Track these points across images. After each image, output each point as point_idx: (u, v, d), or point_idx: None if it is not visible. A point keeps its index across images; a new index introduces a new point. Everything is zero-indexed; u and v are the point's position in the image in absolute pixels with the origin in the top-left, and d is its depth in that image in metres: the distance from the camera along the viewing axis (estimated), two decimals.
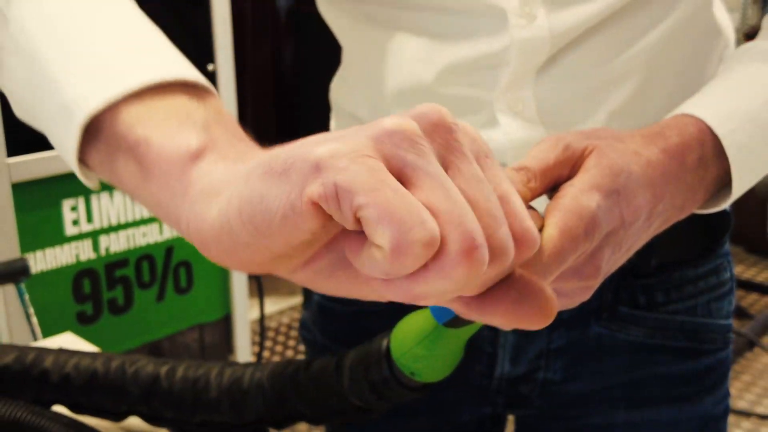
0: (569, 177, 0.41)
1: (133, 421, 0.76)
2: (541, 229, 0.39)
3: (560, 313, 0.64)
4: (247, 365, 0.68)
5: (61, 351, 0.75)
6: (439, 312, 0.47)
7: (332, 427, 0.78)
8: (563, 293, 0.43)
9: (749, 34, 2.89)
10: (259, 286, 1.68)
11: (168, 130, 0.36)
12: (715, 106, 0.51)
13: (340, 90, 0.74)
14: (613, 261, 0.43)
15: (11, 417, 0.73)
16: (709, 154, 0.49)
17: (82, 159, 0.39)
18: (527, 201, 0.39)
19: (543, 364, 0.67)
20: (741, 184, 0.50)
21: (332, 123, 0.76)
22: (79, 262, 1.42)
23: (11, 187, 1.30)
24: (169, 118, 0.37)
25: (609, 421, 0.68)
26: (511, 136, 0.59)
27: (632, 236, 0.44)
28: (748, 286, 3.50)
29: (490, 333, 0.67)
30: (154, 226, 1.52)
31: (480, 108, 0.61)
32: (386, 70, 0.66)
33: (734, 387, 2.76)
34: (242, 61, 1.61)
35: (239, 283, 1.67)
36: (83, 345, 0.91)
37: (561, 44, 0.58)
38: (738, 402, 2.65)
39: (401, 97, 0.64)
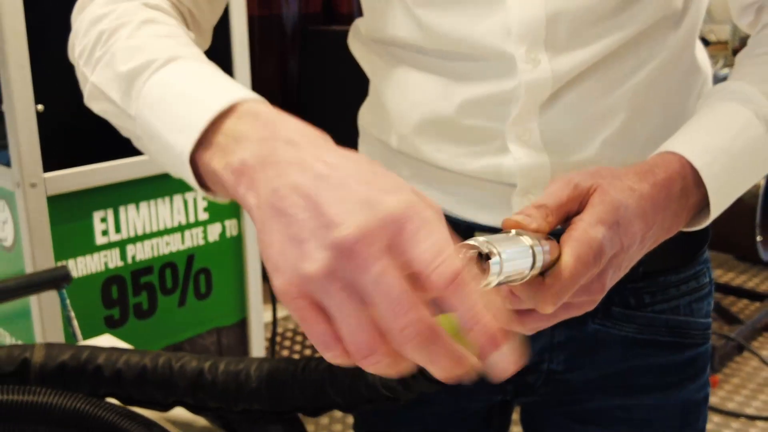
0: (578, 211, 0.51)
1: (178, 411, 0.86)
2: (558, 257, 0.49)
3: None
4: (283, 360, 0.78)
5: (113, 349, 0.86)
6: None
7: (361, 413, 0.88)
8: (574, 305, 0.53)
9: (737, 49, 2.98)
10: (273, 292, 1.78)
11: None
12: (694, 143, 0.61)
13: (366, 118, 0.84)
14: (614, 279, 0.53)
15: (72, 408, 0.83)
16: (690, 184, 0.59)
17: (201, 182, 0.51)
18: (546, 233, 0.50)
19: (547, 356, 0.77)
20: (718, 207, 0.60)
21: (360, 147, 0.86)
22: (107, 270, 1.52)
23: (47, 200, 1.40)
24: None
25: (605, 405, 0.78)
26: (520, 161, 0.70)
27: (630, 258, 0.54)
28: (739, 292, 3.60)
29: None
30: (177, 236, 1.62)
31: (493, 138, 0.71)
32: (410, 103, 0.76)
33: (724, 389, 2.86)
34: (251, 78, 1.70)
35: (254, 290, 1.76)
36: (122, 345, 1.02)
37: (561, 84, 0.68)
38: (727, 403, 2.75)
39: (424, 127, 0.74)
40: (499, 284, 0.46)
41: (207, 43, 0.74)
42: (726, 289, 3.59)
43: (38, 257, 1.40)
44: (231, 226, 1.72)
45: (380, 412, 0.83)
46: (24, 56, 1.33)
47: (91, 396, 0.83)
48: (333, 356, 0.38)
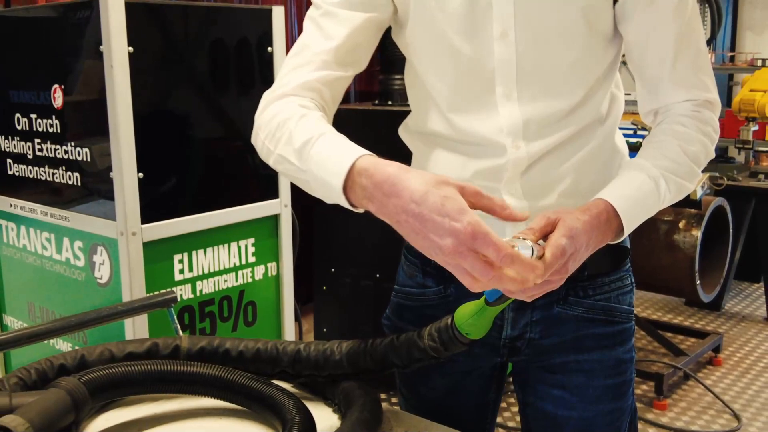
0: (551, 231, 0.98)
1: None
2: (543, 254, 0.95)
3: (536, 301, 1.19)
4: (356, 340, 1.21)
5: (234, 338, 1.29)
6: (489, 295, 1.02)
7: (404, 374, 1.31)
8: (551, 282, 0.99)
9: None
10: (299, 326, 2.21)
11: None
12: (613, 193, 1.08)
13: None
14: (573, 267, 1.00)
15: (215, 375, 1.23)
16: (612, 216, 1.06)
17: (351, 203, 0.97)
18: (536, 242, 0.96)
19: (528, 329, 1.23)
20: (628, 229, 1.08)
21: None
22: (182, 301, 1.93)
23: (142, 245, 1.83)
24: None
25: (565, 360, 1.23)
26: (511, 205, 1.16)
27: (580, 256, 1.01)
28: (686, 331, 4.08)
29: (500, 315, 1.22)
30: (232, 275, 2.05)
31: (493, 192, 1.17)
32: (441, 171, 1.23)
33: (673, 411, 3.31)
34: None
35: (288, 321, 2.19)
36: None
37: (533, 160, 1.15)
38: (676, 422, 3.20)
39: None
40: None
41: (331, 120, 1.20)
42: (675, 329, 4.07)
43: (134, 290, 1.82)
44: (272, 268, 2.15)
45: (419, 370, 1.27)
46: (131, 138, 1.77)
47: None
48: (468, 284, 0.87)
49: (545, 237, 0.98)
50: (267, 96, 1.16)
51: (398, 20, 1.22)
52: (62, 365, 1.23)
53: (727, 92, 7.94)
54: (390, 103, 3.23)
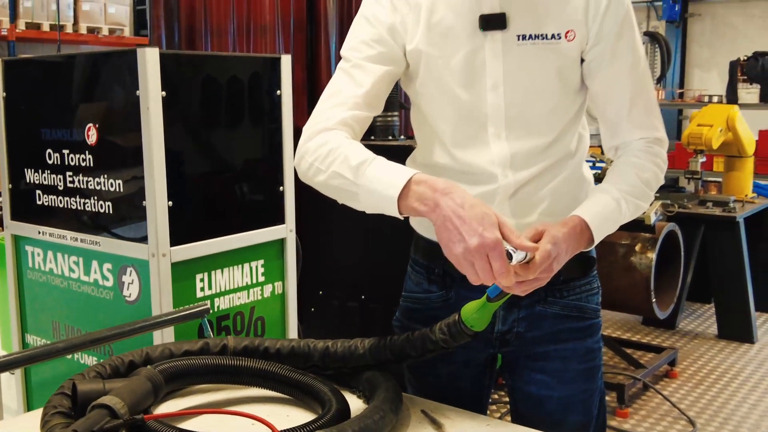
0: (539, 240, 1.27)
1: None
2: (533, 257, 1.24)
3: (522, 301, 1.48)
4: (377, 337, 1.47)
5: (270, 338, 1.54)
6: (491, 291, 1.30)
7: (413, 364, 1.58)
8: (540, 279, 1.28)
9: None
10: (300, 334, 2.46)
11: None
12: (585, 211, 1.38)
13: None
14: (556, 268, 1.29)
15: (262, 369, 1.46)
16: (584, 229, 1.36)
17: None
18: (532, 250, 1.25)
19: (516, 324, 1.51)
20: (597, 239, 1.38)
21: (411, 220, 1.61)
22: None
23: (170, 265, 2.07)
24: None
25: (546, 350, 1.52)
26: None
27: (562, 259, 1.30)
28: (644, 347, 4.40)
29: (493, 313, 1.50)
30: (245, 293, 2.30)
31: None
32: None
33: (634, 418, 3.61)
34: None
35: (292, 334, 2.44)
36: None
37: (518, 186, 1.45)
38: (637, 429, 3.49)
39: None
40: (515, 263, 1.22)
41: None
42: (635, 345, 4.39)
43: (163, 306, 2.06)
44: (278, 286, 2.41)
45: (426, 362, 1.52)
46: (162, 171, 2.03)
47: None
48: (471, 278, 1.16)
49: (535, 243, 1.27)
50: (309, 128, 1.44)
51: (409, 74, 1.51)
52: (131, 361, 1.47)
53: (677, 126, 8.41)
54: (372, 138, 3.52)
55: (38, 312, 2.48)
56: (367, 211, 1.34)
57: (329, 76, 4.07)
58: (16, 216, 2.47)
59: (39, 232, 2.38)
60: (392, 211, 1.28)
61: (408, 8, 1.46)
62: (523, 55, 1.43)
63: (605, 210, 1.41)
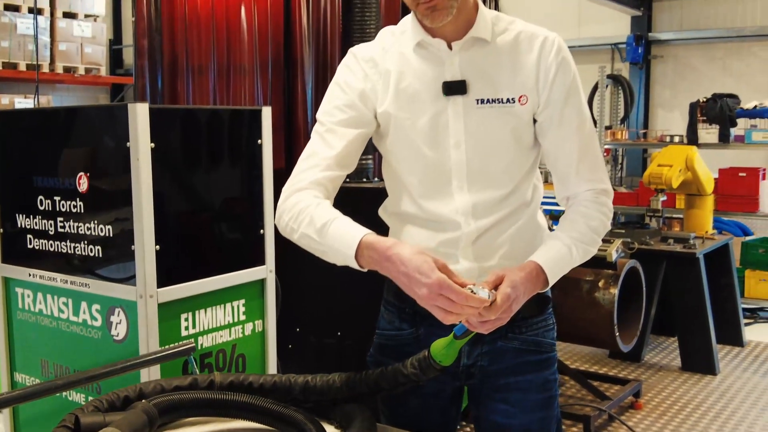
0: (500, 283, 1.44)
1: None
2: (495, 299, 1.40)
3: (485, 337, 1.63)
4: (352, 372, 1.61)
5: (254, 374, 1.68)
6: (457, 330, 1.46)
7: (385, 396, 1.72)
8: (501, 319, 1.44)
9: None
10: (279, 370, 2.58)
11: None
12: (540, 256, 1.55)
13: None
14: (515, 308, 1.45)
15: (246, 402, 1.59)
16: (540, 272, 1.53)
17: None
18: (490, 290, 1.41)
19: (479, 358, 1.66)
20: (551, 281, 1.54)
21: None
22: None
23: (157, 306, 2.20)
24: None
25: (507, 381, 1.67)
26: (464, 266, 1.61)
27: (520, 300, 1.47)
28: (610, 379, 4.56)
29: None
30: (227, 331, 2.42)
31: (452, 257, 1.62)
32: (413, 240, 1.67)
33: None
34: None
35: (272, 371, 2.56)
36: None
37: (480, 233, 1.61)
38: None
39: None
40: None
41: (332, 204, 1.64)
42: (601, 377, 4.55)
43: (150, 345, 2.18)
44: (258, 325, 2.53)
45: (398, 394, 1.66)
46: (151, 218, 2.16)
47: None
48: (441, 318, 1.34)
49: (496, 287, 1.43)
50: (287, 189, 1.60)
51: (380, 133, 1.68)
52: (126, 396, 1.60)
53: (641, 165, 8.69)
54: (347, 180, 3.67)
55: (27, 351, 2.58)
56: (338, 264, 1.50)
57: (305, 115, 4.28)
58: (6, 259, 2.58)
59: (29, 275, 2.49)
60: (356, 266, 1.46)
61: (378, 76, 1.63)
62: (482, 117, 1.60)
63: (558, 255, 1.57)
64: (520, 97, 1.61)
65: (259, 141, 2.50)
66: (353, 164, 1.66)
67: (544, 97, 1.61)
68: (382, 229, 1.79)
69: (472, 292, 1.37)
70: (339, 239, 1.47)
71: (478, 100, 1.61)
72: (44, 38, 9.39)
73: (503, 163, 1.64)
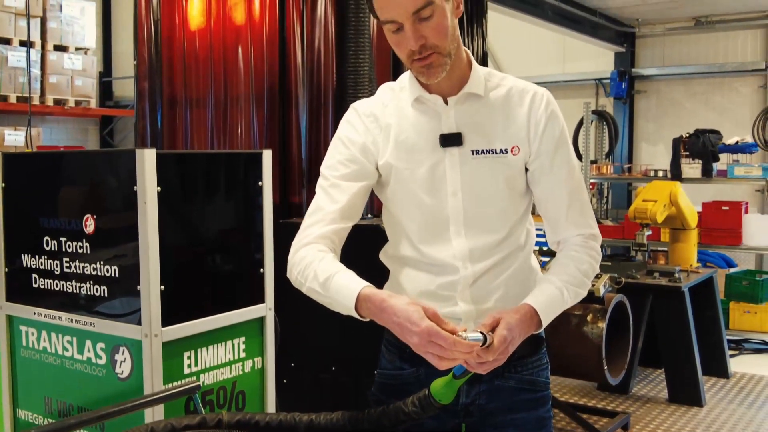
0: (497, 326, 1.52)
1: None
2: (492, 342, 1.49)
3: (483, 376, 1.71)
4: (354, 411, 1.69)
5: (261, 413, 1.75)
6: (456, 370, 1.55)
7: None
8: (498, 360, 1.52)
9: None
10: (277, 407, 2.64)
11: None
12: (534, 299, 1.64)
13: (388, 290, 1.83)
14: (511, 350, 1.54)
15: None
16: (533, 314, 1.62)
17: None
18: (487, 332, 1.50)
19: (477, 397, 1.73)
20: (545, 323, 1.63)
21: None
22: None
23: (162, 345, 2.26)
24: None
25: (504, 418, 1.74)
26: (463, 309, 1.70)
27: (516, 342, 1.56)
28: (599, 411, 4.63)
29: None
30: (227, 368, 2.49)
31: (451, 299, 1.71)
32: (414, 285, 1.75)
33: None
34: None
35: (271, 407, 2.62)
36: None
37: (477, 277, 1.70)
38: None
39: (421, 296, 1.73)
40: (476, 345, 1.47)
41: (339, 253, 1.72)
42: (590, 410, 4.61)
43: (155, 383, 2.24)
44: (258, 362, 2.60)
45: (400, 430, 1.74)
46: (156, 259, 2.23)
47: None
48: (435, 364, 1.42)
49: (493, 329, 1.51)
50: (295, 244, 1.70)
51: (381, 182, 1.77)
52: None
53: (627, 198, 8.83)
54: None
55: (30, 388, 2.62)
56: (343, 314, 1.58)
57: (299, 150, 4.37)
58: (11, 297, 2.64)
59: (34, 313, 2.55)
60: (358, 317, 1.57)
61: (379, 130, 1.74)
62: (477, 166, 1.70)
63: (550, 298, 1.66)
64: (513, 147, 1.71)
65: (260, 183, 2.58)
66: (358, 215, 1.76)
67: (535, 147, 1.71)
68: (378, 267, 1.87)
69: (462, 337, 1.45)
70: (340, 292, 1.57)
71: (473, 151, 1.70)
72: (35, 71, 9.47)
73: (498, 210, 1.73)
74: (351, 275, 1.59)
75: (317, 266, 1.62)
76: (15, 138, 9.33)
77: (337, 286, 1.58)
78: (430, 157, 1.72)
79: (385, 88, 1.82)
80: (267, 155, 2.59)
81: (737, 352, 6.37)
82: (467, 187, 1.71)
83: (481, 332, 1.50)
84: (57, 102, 9.85)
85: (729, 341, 5.91)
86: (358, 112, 1.78)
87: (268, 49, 4.10)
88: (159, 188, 2.24)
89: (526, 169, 1.74)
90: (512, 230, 1.75)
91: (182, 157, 2.39)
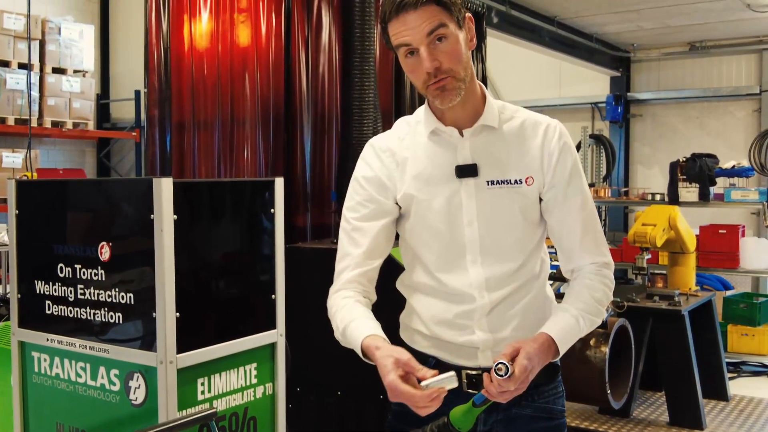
0: (516, 355, 1.55)
1: None
2: (513, 372, 1.52)
3: (500, 405, 1.74)
4: None
5: None
6: (477, 399, 1.58)
7: None
8: (519, 388, 1.56)
9: None
10: None
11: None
12: (551, 328, 1.68)
13: (405, 319, 1.86)
14: (531, 378, 1.58)
15: None
16: (551, 343, 1.65)
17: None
18: (508, 362, 1.54)
19: (495, 425, 1.76)
20: (562, 351, 1.67)
21: (401, 333, 1.87)
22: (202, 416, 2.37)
23: (176, 371, 2.27)
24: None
25: None
26: (480, 337, 1.73)
27: (535, 370, 1.59)
28: None
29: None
30: (239, 394, 2.50)
31: (468, 328, 1.74)
32: (429, 312, 1.78)
33: None
34: None
35: (281, 429, 2.63)
36: None
37: (493, 305, 1.74)
38: None
39: (438, 324, 1.76)
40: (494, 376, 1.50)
41: (373, 289, 1.78)
42: None
43: (169, 409, 2.25)
44: (269, 387, 2.62)
45: None
46: (172, 286, 2.26)
47: None
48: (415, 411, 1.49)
49: (512, 359, 1.54)
50: (331, 291, 1.80)
51: (400, 214, 1.81)
52: None
53: (623, 221, 8.90)
54: (334, 241, 3.79)
55: (42, 414, 2.63)
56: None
57: (304, 174, 4.41)
58: (23, 324, 2.65)
59: (47, 339, 2.56)
60: (364, 358, 1.66)
61: (395, 164, 1.78)
62: (492, 196, 1.74)
63: (567, 327, 1.69)
64: (527, 178, 1.75)
65: (272, 210, 2.61)
66: (385, 251, 1.82)
67: (549, 178, 1.76)
68: (391, 298, 1.91)
69: (424, 386, 1.55)
70: (352, 342, 1.68)
71: (488, 182, 1.75)
72: (33, 93, 9.49)
73: (513, 239, 1.77)
74: (361, 324, 1.68)
75: (339, 316, 1.73)
76: (13, 160, 9.35)
77: (350, 336, 1.68)
78: (447, 187, 1.76)
79: (402, 122, 1.87)
80: (279, 183, 2.63)
81: (736, 374, 6.39)
82: (483, 217, 1.75)
83: (502, 362, 1.53)
84: (55, 124, 9.88)
85: (727, 364, 5.93)
86: (374, 148, 1.83)
87: (273, 74, 4.15)
88: (175, 216, 2.27)
89: (540, 199, 1.78)
90: (527, 259, 1.78)
91: (197, 186, 2.42)
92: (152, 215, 2.25)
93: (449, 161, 1.76)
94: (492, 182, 1.75)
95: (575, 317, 1.71)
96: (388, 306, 1.89)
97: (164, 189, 2.23)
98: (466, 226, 1.75)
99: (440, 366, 1.78)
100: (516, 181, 1.75)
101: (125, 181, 2.34)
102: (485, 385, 1.57)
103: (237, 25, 4.04)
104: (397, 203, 1.80)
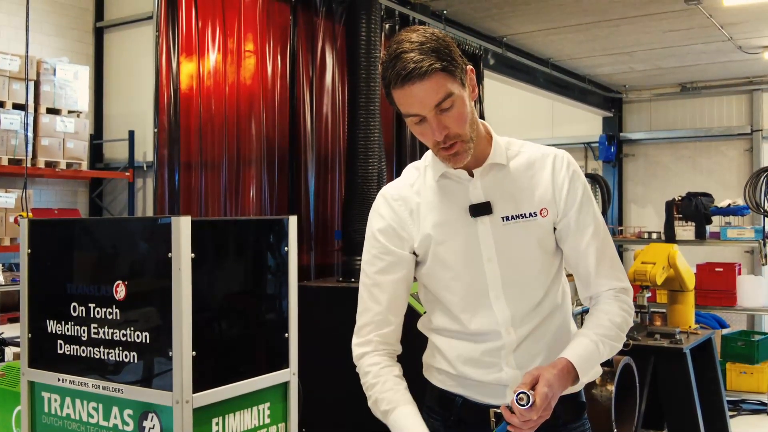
0: (536, 383, 1.56)
1: None
2: (535, 401, 1.52)
3: None
4: None
5: None
6: (499, 431, 1.58)
7: None
8: (543, 417, 1.55)
9: None
10: None
11: None
12: (570, 353, 1.68)
13: (429, 358, 1.86)
14: (553, 404, 1.57)
15: None
16: (571, 369, 1.66)
17: None
18: (528, 390, 1.55)
19: None
20: (582, 377, 1.67)
21: (424, 373, 1.86)
22: None
23: (192, 410, 2.25)
24: None
25: None
26: (508, 374, 1.73)
27: (556, 396, 1.59)
28: None
29: None
30: None
31: (496, 365, 1.74)
32: (455, 352, 1.78)
33: None
34: None
35: None
36: None
37: (520, 341, 1.74)
38: None
39: (465, 363, 1.76)
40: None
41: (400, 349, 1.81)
42: None
43: None
44: (281, 428, 2.59)
45: None
46: (189, 325, 2.25)
47: None
48: None
49: (532, 387, 1.55)
50: (356, 345, 1.82)
51: (418, 261, 1.82)
52: None
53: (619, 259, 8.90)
54: (353, 280, 3.79)
55: None
56: None
57: (308, 208, 4.42)
58: (33, 364, 2.62)
59: (59, 380, 2.54)
60: None
61: (408, 212, 1.80)
62: (509, 232, 1.76)
63: (586, 352, 1.70)
64: (541, 210, 1.77)
65: (286, 248, 2.62)
66: (404, 305, 1.83)
67: (561, 208, 1.78)
68: (407, 341, 1.91)
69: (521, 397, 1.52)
70: (396, 429, 1.71)
71: (503, 218, 1.76)
72: (28, 133, 9.50)
73: (534, 271, 1.78)
74: (407, 415, 1.70)
75: (379, 392, 1.74)
76: (6, 200, 9.31)
77: (396, 424, 1.70)
78: (463, 228, 1.77)
79: (411, 169, 1.88)
80: (293, 221, 2.64)
81: (735, 412, 6.38)
82: (502, 253, 1.76)
83: (523, 392, 1.54)
84: (48, 164, 9.86)
85: (727, 402, 5.91)
86: (386, 198, 1.84)
87: (279, 115, 4.18)
88: (193, 255, 2.27)
89: (555, 229, 1.79)
90: (549, 290, 1.80)
91: (214, 224, 2.43)
92: (170, 254, 2.25)
93: (462, 202, 1.78)
94: (507, 218, 1.77)
95: (594, 342, 1.71)
96: (406, 349, 1.88)
97: (183, 227, 2.24)
98: (486, 263, 1.76)
99: (467, 405, 1.78)
100: (531, 215, 1.77)
101: (143, 220, 2.35)
102: (507, 418, 1.57)
103: (243, 66, 4.08)
104: (414, 252, 1.80)
